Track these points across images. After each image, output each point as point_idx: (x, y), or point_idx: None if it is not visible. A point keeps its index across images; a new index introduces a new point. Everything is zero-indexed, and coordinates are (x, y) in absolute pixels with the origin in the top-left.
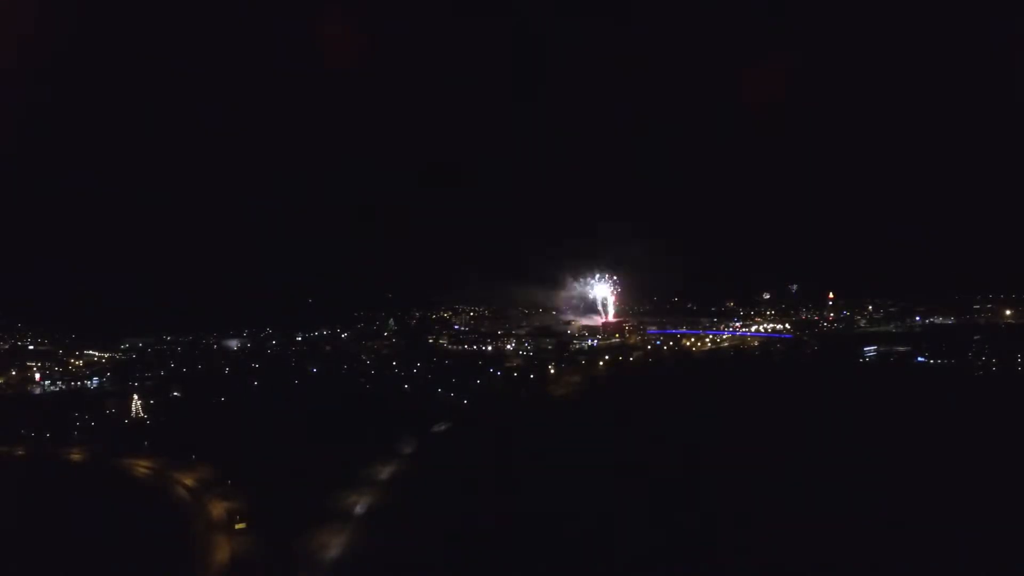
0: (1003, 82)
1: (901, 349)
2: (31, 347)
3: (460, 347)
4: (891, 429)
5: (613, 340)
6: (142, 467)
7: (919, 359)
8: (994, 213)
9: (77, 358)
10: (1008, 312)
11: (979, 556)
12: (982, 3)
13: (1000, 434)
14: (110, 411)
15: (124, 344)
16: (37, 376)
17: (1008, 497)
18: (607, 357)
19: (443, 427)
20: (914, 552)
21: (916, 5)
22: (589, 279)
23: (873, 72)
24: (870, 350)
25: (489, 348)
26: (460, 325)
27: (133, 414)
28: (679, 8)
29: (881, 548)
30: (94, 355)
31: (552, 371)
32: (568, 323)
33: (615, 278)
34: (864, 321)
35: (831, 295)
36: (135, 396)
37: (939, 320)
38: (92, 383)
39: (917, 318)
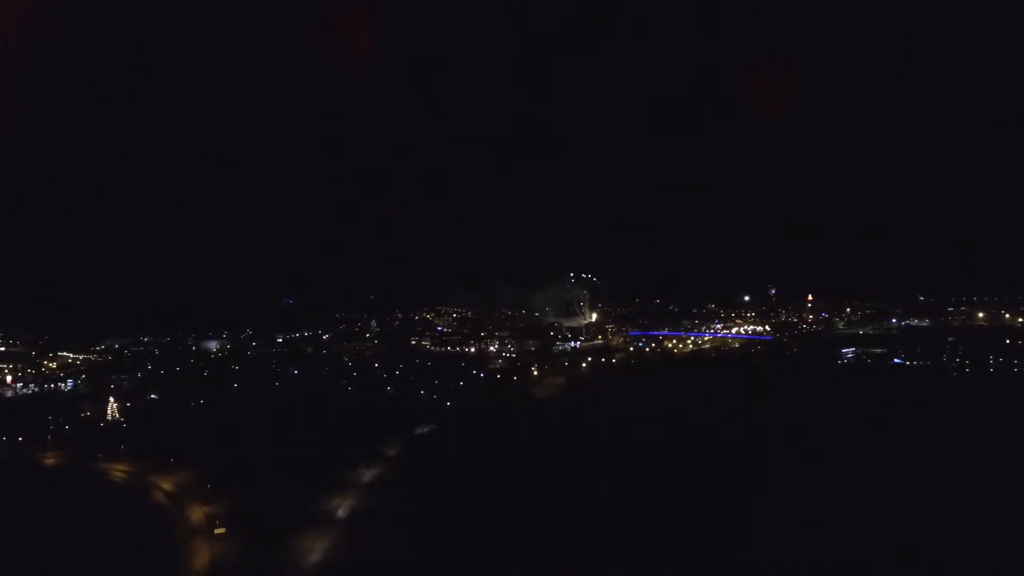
0: (978, 90)
1: (878, 351)
2: (2, 348)
3: (443, 349)
4: (869, 429)
5: (596, 341)
6: (118, 471)
7: (896, 361)
8: (968, 219)
9: (51, 360)
10: (981, 315)
11: (955, 554)
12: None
13: (974, 433)
14: (85, 414)
15: (100, 346)
16: (8, 379)
17: (983, 495)
18: (590, 359)
19: (426, 429)
20: (895, 551)
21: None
22: (572, 281)
23: (850, 79)
24: (848, 352)
25: (472, 350)
26: (443, 327)
27: (109, 417)
28: (656, 11)
29: (862, 547)
30: (68, 357)
31: (535, 372)
32: (551, 324)
33: (598, 280)
34: (842, 323)
35: (810, 297)
36: (111, 399)
37: (915, 323)
38: (66, 385)
39: (893, 320)
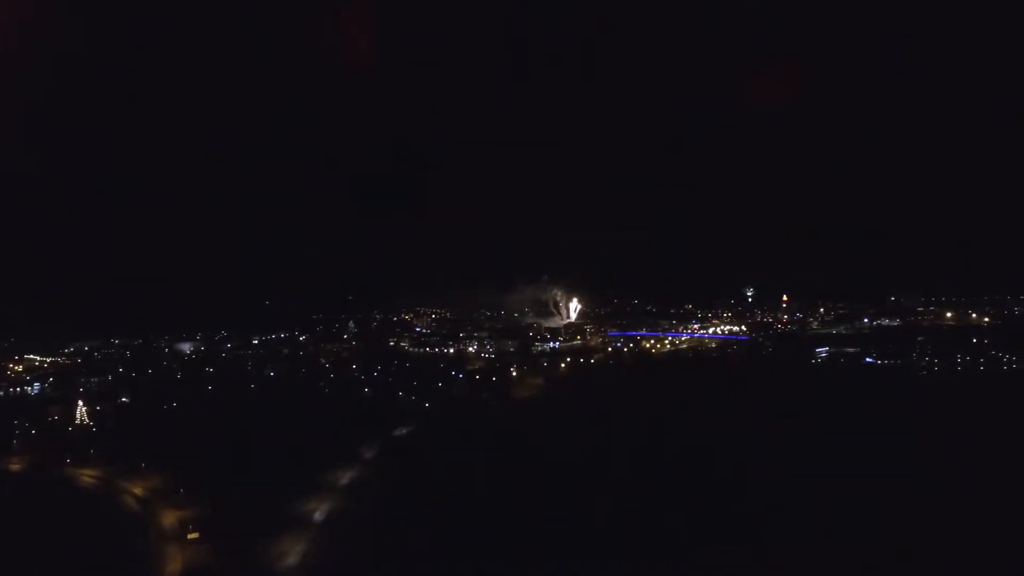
0: (953, 94)
1: (851, 350)
2: None
3: (422, 350)
4: (843, 427)
5: (575, 342)
6: (87, 476)
7: (868, 360)
8: (938, 222)
9: (16, 363)
10: (949, 315)
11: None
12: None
13: (946, 430)
14: (53, 418)
15: (69, 348)
16: None
17: (955, 489)
18: (568, 359)
19: (404, 431)
20: (876, 547)
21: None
22: (551, 282)
23: (825, 82)
24: (822, 351)
25: (451, 351)
26: (422, 327)
27: (78, 421)
28: (656, 11)
29: (845, 543)
30: (35, 359)
31: (514, 373)
32: (530, 325)
33: (577, 281)
34: (816, 323)
35: (785, 298)
36: (80, 402)
37: (886, 322)
38: (33, 389)
39: (865, 320)
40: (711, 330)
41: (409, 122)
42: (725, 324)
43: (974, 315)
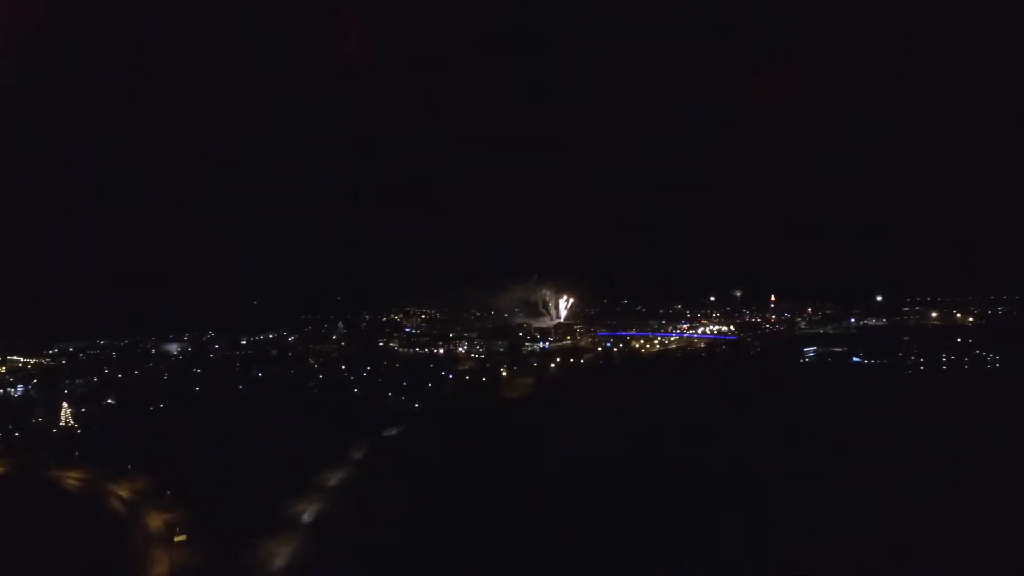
0: (942, 93)
1: (838, 350)
2: None
3: (411, 350)
4: (830, 426)
5: (565, 342)
6: (72, 479)
7: (855, 359)
8: (924, 222)
9: None
10: (934, 314)
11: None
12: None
13: (930, 428)
14: (37, 420)
15: (53, 349)
16: None
17: (935, 487)
18: (558, 359)
19: (393, 431)
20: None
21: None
22: (541, 281)
23: (812, 80)
24: (809, 351)
25: (441, 351)
26: (411, 328)
27: (63, 423)
28: (656, 11)
29: (835, 542)
30: (19, 361)
31: (504, 373)
32: (520, 325)
33: (566, 281)
34: (804, 323)
35: (773, 298)
36: (65, 404)
37: (872, 322)
38: (16, 391)
39: (852, 320)
40: (700, 330)
41: (408, 122)
42: (714, 324)
43: (959, 315)
